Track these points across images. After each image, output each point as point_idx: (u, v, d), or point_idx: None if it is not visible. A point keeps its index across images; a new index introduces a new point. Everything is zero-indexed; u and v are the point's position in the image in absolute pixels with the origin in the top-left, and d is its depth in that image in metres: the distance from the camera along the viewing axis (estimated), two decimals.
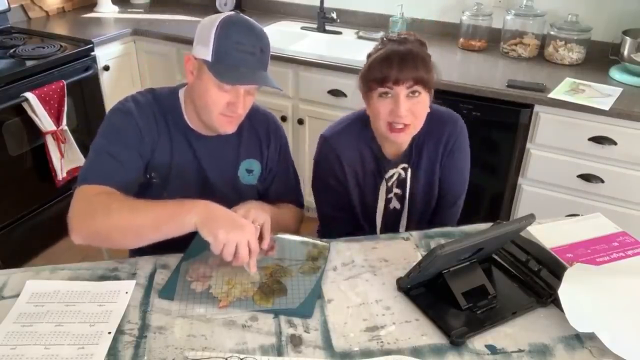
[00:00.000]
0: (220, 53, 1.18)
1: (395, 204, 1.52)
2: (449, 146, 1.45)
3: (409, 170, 1.46)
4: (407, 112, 1.30)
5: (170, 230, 1.12)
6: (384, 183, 1.47)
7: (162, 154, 1.31)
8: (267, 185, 1.46)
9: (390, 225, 1.54)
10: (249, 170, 1.41)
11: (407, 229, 1.53)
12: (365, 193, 1.50)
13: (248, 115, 1.33)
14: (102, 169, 1.22)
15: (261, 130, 1.41)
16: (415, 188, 1.48)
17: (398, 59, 1.29)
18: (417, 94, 1.31)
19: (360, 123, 1.45)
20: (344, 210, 1.52)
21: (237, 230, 1.09)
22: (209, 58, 1.19)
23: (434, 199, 1.52)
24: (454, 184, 1.51)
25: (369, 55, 1.38)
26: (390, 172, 1.46)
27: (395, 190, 1.50)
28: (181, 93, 1.34)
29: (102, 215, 1.13)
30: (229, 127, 1.29)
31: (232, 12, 1.24)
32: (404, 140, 1.39)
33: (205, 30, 1.20)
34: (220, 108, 1.23)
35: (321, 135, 1.48)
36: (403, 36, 1.37)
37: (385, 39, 1.38)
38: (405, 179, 1.47)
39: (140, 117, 1.27)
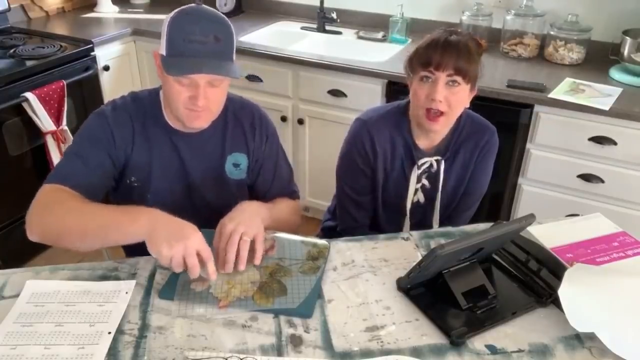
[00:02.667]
0: (172, 45, 1.17)
1: (420, 196, 1.55)
2: (484, 151, 1.52)
3: (442, 163, 1.50)
4: (443, 99, 1.35)
5: (117, 239, 1.11)
6: (415, 169, 1.50)
7: (140, 156, 1.30)
8: (255, 176, 1.44)
9: (418, 220, 1.58)
10: (236, 165, 1.40)
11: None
12: (389, 181, 1.53)
13: (233, 109, 1.33)
14: (65, 169, 1.23)
15: (246, 122, 1.40)
16: (445, 182, 1.52)
17: (442, 44, 1.34)
18: (456, 84, 1.35)
19: (398, 113, 1.50)
20: (366, 195, 1.55)
21: (181, 242, 1.05)
22: (164, 52, 1.18)
23: (457, 198, 1.57)
24: (479, 185, 1.57)
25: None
26: (423, 159, 1.50)
27: (424, 181, 1.53)
28: (161, 93, 1.34)
29: (53, 214, 1.14)
30: (197, 122, 1.26)
31: (192, 5, 1.22)
32: (437, 129, 1.42)
33: (163, 25, 1.20)
34: (182, 102, 1.22)
35: (357, 118, 1.53)
36: (459, 30, 1.41)
37: (441, 29, 1.42)
38: (437, 173, 1.51)
39: (113, 119, 1.27)
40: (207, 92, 1.21)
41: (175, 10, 1.20)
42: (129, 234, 1.08)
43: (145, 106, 1.32)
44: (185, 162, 1.34)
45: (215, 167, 1.38)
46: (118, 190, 1.33)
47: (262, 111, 1.45)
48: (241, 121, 1.39)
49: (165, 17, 1.21)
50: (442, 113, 1.36)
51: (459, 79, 1.34)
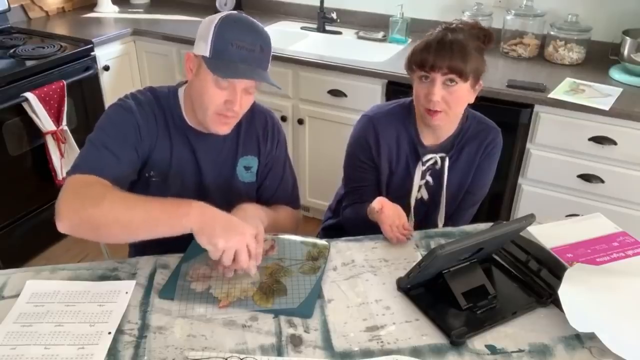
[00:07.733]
0: (219, 48, 1.18)
1: (423, 193, 1.56)
2: (488, 150, 1.53)
3: (447, 160, 1.51)
4: (440, 98, 1.36)
5: (164, 231, 1.10)
6: (419, 165, 1.51)
7: (162, 152, 1.31)
8: (262, 180, 1.45)
9: (421, 218, 1.59)
10: (247, 168, 1.40)
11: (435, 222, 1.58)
12: (394, 177, 1.54)
13: (247, 113, 1.33)
14: (96, 160, 1.21)
15: (259, 126, 1.41)
16: (449, 180, 1.53)
17: (436, 46, 1.34)
18: (453, 83, 1.35)
19: (404, 110, 1.52)
20: (369, 181, 1.56)
21: (236, 236, 1.08)
22: (207, 54, 1.19)
23: (460, 197, 1.58)
24: (481, 184, 1.58)
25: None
26: (428, 156, 1.51)
27: (428, 178, 1.54)
28: (180, 92, 1.34)
29: (93, 205, 1.10)
30: (222, 128, 1.27)
31: (234, 11, 1.24)
32: (437, 124, 1.43)
33: (205, 27, 1.20)
34: (216, 106, 1.22)
35: (363, 115, 1.55)
36: (460, 25, 1.40)
37: (442, 26, 1.41)
38: (441, 170, 1.52)
39: (140, 115, 1.27)
40: (242, 98, 1.23)
41: (220, 16, 1.19)
42: (179, 226, 1.08)
43: (165, 103, 1.32)
44: (200, 162, 1.35)
45: (227, 168, 1.39)
46: (137, 184, 1.32)
47: (275, 116, 1.46)
48: (255, 124, 1.40)
49: (205, 20, 1.21)
50: (439, 111, 1.37)
51: (455, 77, 1.34)
